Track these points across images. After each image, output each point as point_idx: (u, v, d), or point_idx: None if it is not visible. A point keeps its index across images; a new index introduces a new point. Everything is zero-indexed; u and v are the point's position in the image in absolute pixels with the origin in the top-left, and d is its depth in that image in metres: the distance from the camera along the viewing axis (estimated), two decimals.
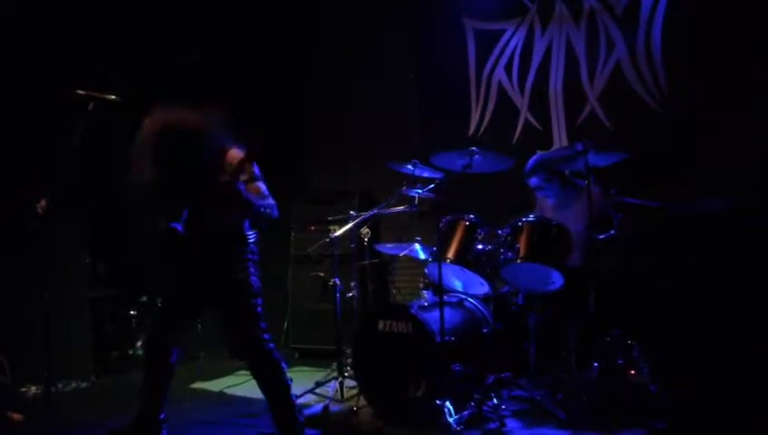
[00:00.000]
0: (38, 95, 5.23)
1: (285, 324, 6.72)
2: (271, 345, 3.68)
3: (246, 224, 3.75)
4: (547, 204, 5.01)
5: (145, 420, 3.80)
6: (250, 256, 3.72)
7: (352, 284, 5.24)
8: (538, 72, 5.86)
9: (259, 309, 3.68)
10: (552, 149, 5.61)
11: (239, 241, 3.70)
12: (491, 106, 6.13)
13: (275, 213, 3.66)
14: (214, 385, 5.48)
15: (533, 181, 4.86)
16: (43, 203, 3.55)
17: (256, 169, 3.70)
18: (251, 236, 3.75)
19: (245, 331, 3.67)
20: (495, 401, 4.25)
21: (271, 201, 3.64)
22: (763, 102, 4.69)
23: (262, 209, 3.53)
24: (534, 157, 4.92)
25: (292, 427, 3.69)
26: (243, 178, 3.46)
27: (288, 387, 3.72)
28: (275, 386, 3.71)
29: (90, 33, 5.63)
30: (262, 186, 3.66)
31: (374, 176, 6.38)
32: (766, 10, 4.73)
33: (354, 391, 4.59)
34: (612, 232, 4.32)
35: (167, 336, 3.78)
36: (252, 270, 3.71)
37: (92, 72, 3.97)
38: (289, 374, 3.75)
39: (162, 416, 3.85)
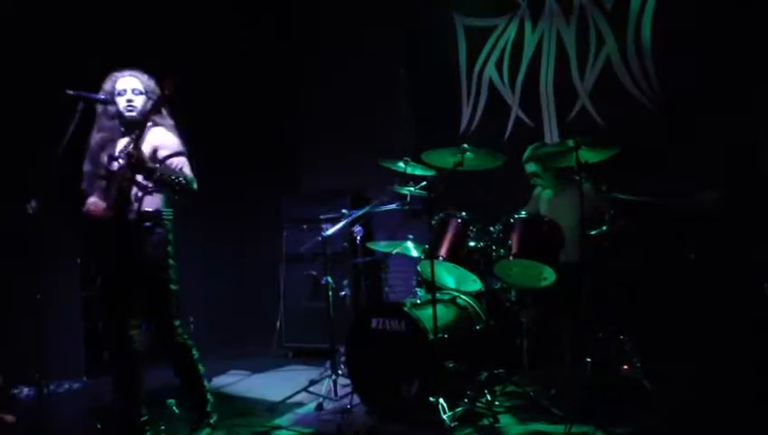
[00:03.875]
0: (27, 95, 5.21)
1: (278, 323, 6.71)
2: (183, 337, 3.80)
3: (163, 201, 3.77)
4: (542, 197, 5.02)
5: (127, 422, 3.82)
6: (167, 237, 3.76)
7: (345, 282, 5.24)
8: (529, 69, 5.86)
9: (173, 297, 3.75)
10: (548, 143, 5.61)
11: (157, 222, 3.72)
12: (482, 103, 6.13)
13: (194, 186, 3.69)
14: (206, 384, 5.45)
15: (531, 168, 4.90)
16: (33, 203, 3.53)
17: (177, 144, 3.77)
18: (167, 214, 3.78)
19: (157, 317, 3.78)
20: (489, 397, 4.26)
21: (188, 175, 3.68)
22: (755, 96, 4.71)
23: (168, 176, 3.58)
24: (534, 145, 4.95)
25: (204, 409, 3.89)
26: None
27: (200, 374, 3.91)
28: (188, 374, 3.88)
29: (79, 30, 5.61)
30: (180, 160, 3.75)
31: (366, 174, 6.37)
32: (756, 3, 4.75)
33: (348, 389, 4.58)
34: (604, 228, 4.33)
35: (116, 323, 3.79)
36: (169, 249, 3.75)
37: (82, 70, 3.95)
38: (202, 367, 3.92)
39: (144, 417, 3.85)
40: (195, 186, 3.70)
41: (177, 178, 3.60)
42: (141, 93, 3.77)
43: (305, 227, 6.48)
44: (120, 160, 3.63)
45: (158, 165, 3.61)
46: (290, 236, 6.72)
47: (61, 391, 5.39)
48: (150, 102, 3.75)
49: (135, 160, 3.46)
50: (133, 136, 3.60)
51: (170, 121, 3.87)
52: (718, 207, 4.60)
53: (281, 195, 6.96)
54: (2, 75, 5.21)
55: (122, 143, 3.75)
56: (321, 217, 5.51)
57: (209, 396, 3.93)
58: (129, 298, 3.77)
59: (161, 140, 3.75)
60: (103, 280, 3.80)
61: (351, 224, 5.12)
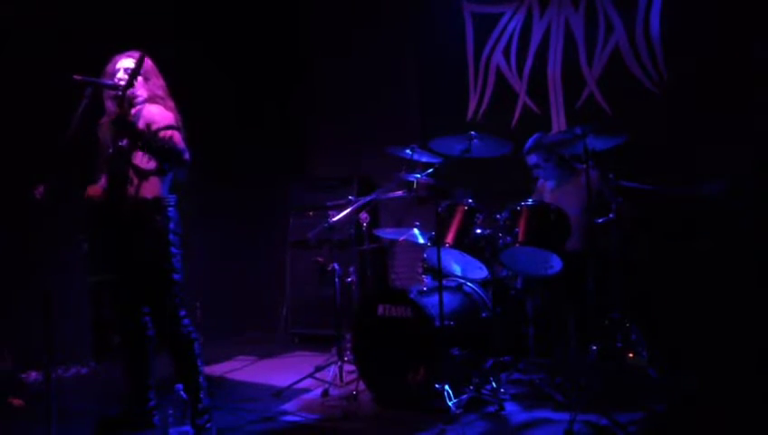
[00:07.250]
0: (35, 80, 5.21)
1: (285, 310, 6.74)
2: (188, 329, 3.72)
3: (164, 188, 3.72)
4: (546, 187, 5.01)
5: (134, 408, 3.83)
6: (167, 225, 3.68)
7: (351, 269, 5.25)
8: (536, 56, 5.83)
9: (176, 287, 3.67)
10: (553, 132, 5.59)
11: (157, 209, 3.65)
12: (489, 90, 6.11)
13: (186, 156, 3.62)
14: (214, 370, 5.49)
15: (532, 160, 4.90)
16: (41, 189, 3.54)
17: (171, 119, 3.71)
18: (168, 200, 3.72)
19: (159, 307, 3.72)
20: (494, 384, 4.27)
21: (179, 146, 3.60)
22: (762, 86, 4.68)
23: (156, 142, 3.49)
24: (535, 135, 4.93)
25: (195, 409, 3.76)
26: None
27: (199, 371, 3.78)
28: (186, 368, 3.75)
29: (86, 15, 5.60)
30: (172, 133, 3.65)
31: (373, 161, 6.38)
32: None
33: (354, 376, 4.60)
34: (611, 216, 4.32)
35: (127, 309, 3.80)
36: (170, 238, 3.66)
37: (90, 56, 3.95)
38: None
39: (152, 403, 3.86)
40: (186, 156, 3.62)
41: (166, 144, 3.52)
42: None
43: (311, 213, 6.49)
44: (120, 143, 3.59)
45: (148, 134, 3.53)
46: (296, 222, 6.73)
47: (68, 376, 5.42)
48: (144, 81, 3.72)
49: (119, 119, 3.41)
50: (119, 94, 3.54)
51: (171, 103, 3.81)
52: (724, 196, 4.59)
53: (288, 181, 6.96)
54: (9, 63, 5.21)
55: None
56: (328, 203, 5.50)
57: (203, 396, 3.78)
58: (138, 285, 3.75)
59: (155, 115, 3.69)
60: (113, 267, 3.78)
61: (358, 211, 5.12)
